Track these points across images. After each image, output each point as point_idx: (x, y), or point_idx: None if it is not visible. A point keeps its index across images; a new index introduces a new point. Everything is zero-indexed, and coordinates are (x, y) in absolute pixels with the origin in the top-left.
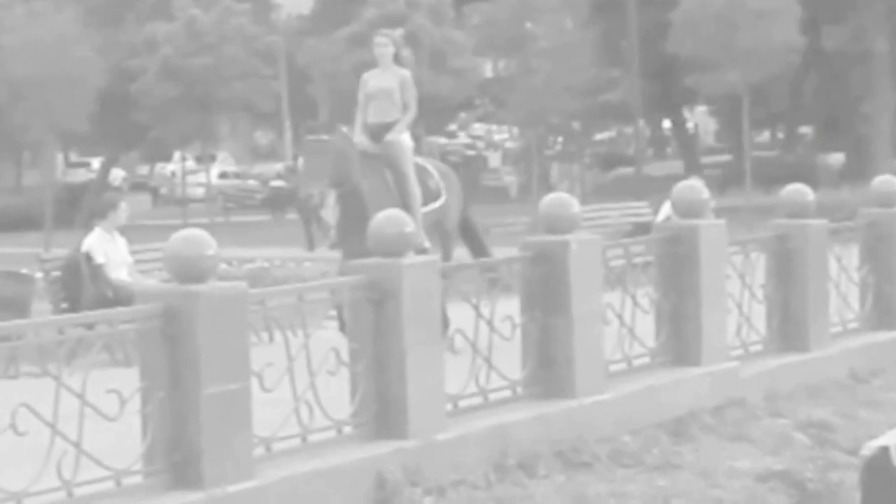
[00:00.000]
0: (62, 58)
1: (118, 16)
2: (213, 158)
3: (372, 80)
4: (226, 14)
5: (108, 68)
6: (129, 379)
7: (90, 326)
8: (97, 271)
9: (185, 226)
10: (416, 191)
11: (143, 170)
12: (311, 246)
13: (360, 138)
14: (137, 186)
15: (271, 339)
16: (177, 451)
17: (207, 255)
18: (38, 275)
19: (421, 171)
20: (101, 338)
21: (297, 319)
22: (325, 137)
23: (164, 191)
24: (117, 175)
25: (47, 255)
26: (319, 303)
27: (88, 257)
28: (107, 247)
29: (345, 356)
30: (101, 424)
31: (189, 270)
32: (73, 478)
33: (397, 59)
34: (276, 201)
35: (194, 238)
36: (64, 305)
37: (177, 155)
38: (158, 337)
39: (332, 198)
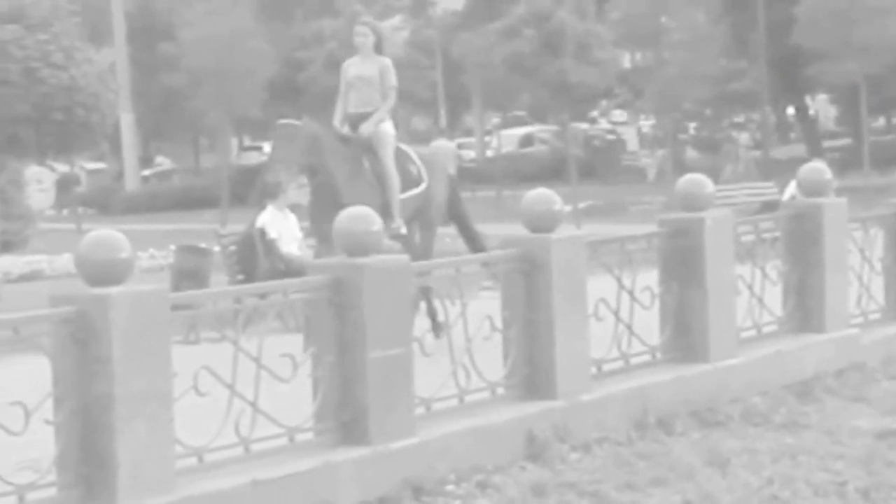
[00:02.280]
0: (237, 50)
1: (288, 12)
2: None
3: (352, 69)
4: (387, 11)
5: (279, 60)
6: (300, 344)
7: (264, 296)
8: (270, 246)
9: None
10: (394, 177)
11: None
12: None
13: (338, 126)
14: None
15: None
16: (345, 411)
17: (372, 231)
18: (216, 249)
19: (403, 157)
20: (274, 306)
21: (454, 290)
22: (296, 122)
23: None
24: None
25: (224, 231)
26: (474, 274)
27: (262, 233)
28: (279, 223)
29: (498, 323)
30: (276, 386)
31: (356, 245)
32: (249, 434)
33: (378, 48)
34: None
35: (360, 215)
36: (240, 277)
37: None
38: (327, 306)
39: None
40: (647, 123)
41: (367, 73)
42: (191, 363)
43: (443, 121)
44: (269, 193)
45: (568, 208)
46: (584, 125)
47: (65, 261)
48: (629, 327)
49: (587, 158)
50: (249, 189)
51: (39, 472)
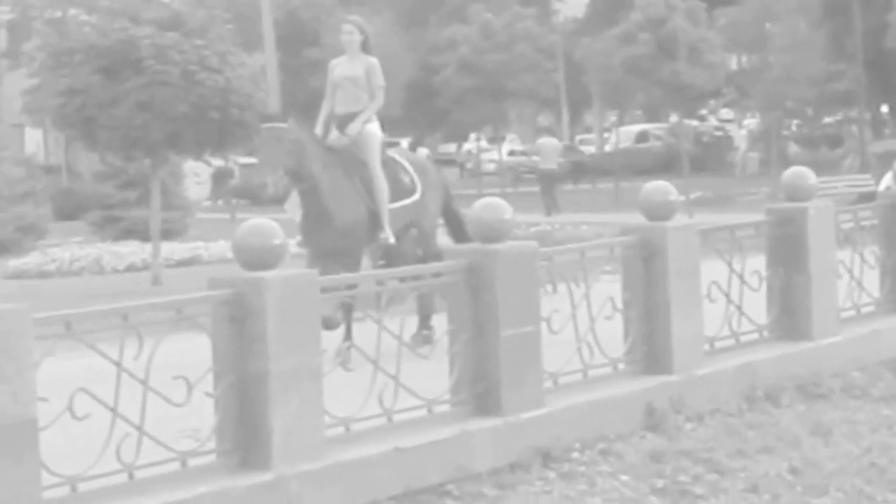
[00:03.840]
0: (377, 55)
1: (423, 19)
2: (503, 139)
3: (338, 68)
4: (514, 18)
5: (416, 63)
6: (437, 324)
7: (404, 279)
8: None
9: (481, 195)
10: (382, 184)
11: (447, 148)
12: (548, 212)
13: (320, 128)
14: (439, 163)
15: (555, 289)
16: (479, 384)
17: (504, 219)
18: None
19: (395, 167)
20: (414, 289)
21: (578, 273)
22: (282, 125)
23: (469, 165)
24: (422, 152)
25: None
26: (597, 259)
27: None
28: None
29: (619, 304)
30: (416, 362)
31: (489, 232)
32: (392, 406)
33: (365, 47)
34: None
35: (494, 205)
36: (381, 262)
37: (472, 136)
38: (463, 288)
39: (294, 194)
40: (752, 121)
41: (353, 72)
42: (337, 341)
43: (565, 119)
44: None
45: (681, 199)
46: (695, 122)
47: (220, 247)
48: (739, 308)
49: (697, 153)
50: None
51: (200, 441)
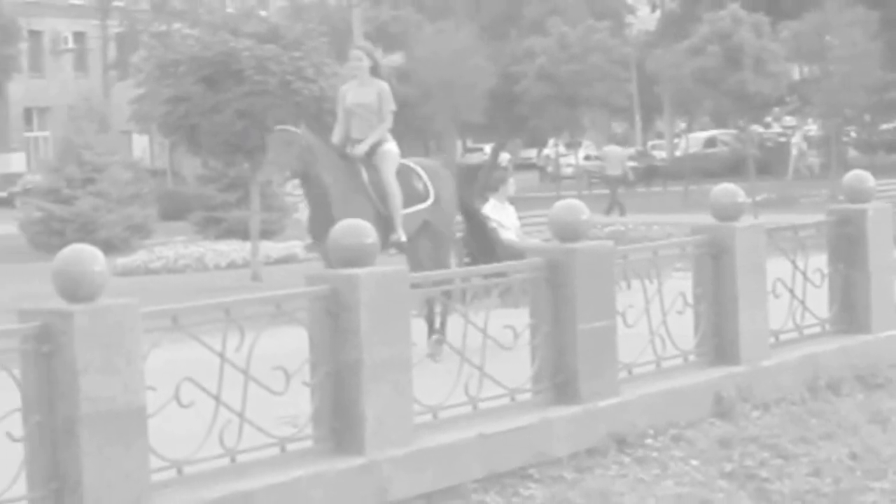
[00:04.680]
0: (461, 65)
1: (504, 32)
2: (579, 144)
3: (350, 95)
4: (589, 31)
5: (497, 73)
6: (519, 318)
7: (488, 276)
8: (492, 233)
9: (559, 197)
10: (395, 192)
11: (528, 153)
12: (608, 212)
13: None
14: (520, 166)
15: (629, 286)
16: (559, 374)
17: (582, 220)
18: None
19: (408, 173)
20: (497, 285)
21: (651, 270)
22: (293, 129)
23: (549, 169)
24: (504, 157)
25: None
26: (669, 257)
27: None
28: (499, 214)
29: (689, 299)
30: (499, 353)
31: (568, 232)
32: (477, 394)
33: (375, 72)
34: (627, 178)
35: (572, 206)
36: (466, 260)
37: (550, 141)
38: (543, 284)
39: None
40: (812, 127)
41: (366, 99)
42: (422, 334)
43: (638, 125)
44: (491, 187)
45: (747, 201)
46: (760, 129)
47: None
48: (802, 303)
49: (762, 158)
50: (472, 184)
51: (297, 427)
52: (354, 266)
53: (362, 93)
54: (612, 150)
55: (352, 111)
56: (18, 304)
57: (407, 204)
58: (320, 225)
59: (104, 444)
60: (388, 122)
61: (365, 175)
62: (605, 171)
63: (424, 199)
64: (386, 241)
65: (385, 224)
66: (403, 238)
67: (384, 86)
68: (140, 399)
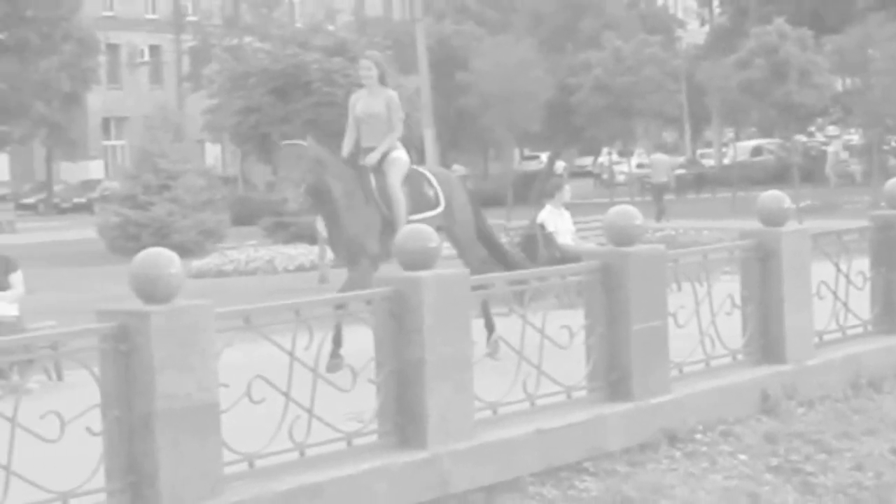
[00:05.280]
0: (520, 77)
1: (561, 46)
2: (631, 153)
3: (360, 104)
4: (642, 44)
5: (554, 85)
6: (575, 318)
7: (544, 278)
8: (549, 238)
9: (612, 203)
10: (399, 197)
11: (582, 161)
12: (659, 218)
13: (346, 155)
14: (575, 174)
15: (679, 288)
16: (613, 372)
17: (635, 225)
18: (504, 240)
19: (419, 179)
20: (553, 287)
21: (701, 273)
22: (301, 143)
23: (604, 176)
24: (560, 165)
25: (510, 225)
26: (718, 261)
27: (542, 227)
28: (555, 219)
29: (738, 301)
30: (556, 352)
31: (622, 236)
32: (534, 391)
33: (383, 80)
34: (680, 184)
35: (625, 212)
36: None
37: (604, 150)
38: (598, 286)
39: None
40: (854, 136)
41: (375, 108)
42: (485, 335)
43: (687, 135)
44: (548, 194)
45: (792, 207)
46: (804, 138)
47: None
48: (845, 304)
49: (806, 165)
50: (529, 191)
51: (363, 422)
52: (418, 269)
53: (371, 102)
54: (659, 157)
55: (361, 120)
56: (97, 304)
57: (416, 210)
58: (335, 239)
59: (179, 439)
60: (398, 130)
61: (373, 181)
62: (651, 178)
63: (435, 205)
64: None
65: (392, 231)
66: None
67: (393, 94)
68: (213, 395)
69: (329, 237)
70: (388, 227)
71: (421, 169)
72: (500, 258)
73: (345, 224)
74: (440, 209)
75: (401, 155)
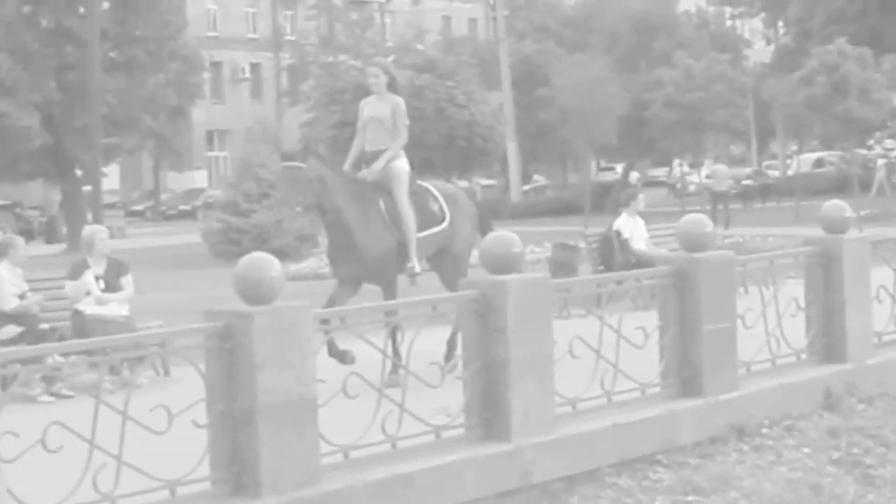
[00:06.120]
0: (597, 93)
1: (635, 64)
2: (701, 164)
3: (367, 108)
4: (712, 63)
5: (629, 100)
6: (649, 320)
7: (620, 282)
8: (624, 244)
9: (684, 212)
10: (409, 216)
11: (654, 172)
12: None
13: (350, 164)
14: (647, 184)
15: (747, 291)
16: (685, 370)
17: (707, 232)
18: (582, 246)
19: (425, 195)
20: (628, 291)
21: (768, 278)
22: (300, 165)
23: (678, 186)
24: (633, 176)
25: (587, 232)
26: (783, 266)
27: (618, 234)
28: (631, 226)
29: (802, 304)
30: (630, 351)
31: (693, 242)
32: (611, 388)
33: (392, 87)
34: (746, 194)
35: (697, 220)
36: (600, 267)
37: (675, 161)
38: (671, 290)
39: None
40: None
41: (380, 113)
42: (565, 334)
43: (754, 147)
44: (623, 203)
45: (853, 215)
46: (863, 151)
47: None
48: None
49: (865, 176)
50: (605, 199)
51: (451, 416)
52: (502, 273)
53: (378, 107)
54: (719, 168)
55: (367, 123)
56: (202, 305)
57: (423, 227)
58: (340, 251)
59: (279, 431)
60: (403, 136)
61: (381, 201)
62: (711, 188)
63: (440, 221)
64: (402, 267)
65: (403, 251)
66: (418, 269)
67: (398, 100)
68: (311, 391)
69: (330, 252)
70: (401, 248)
71: (425, 184)
72: None
73: (359, 241)
74: (445, 224)
75: (402, 165)
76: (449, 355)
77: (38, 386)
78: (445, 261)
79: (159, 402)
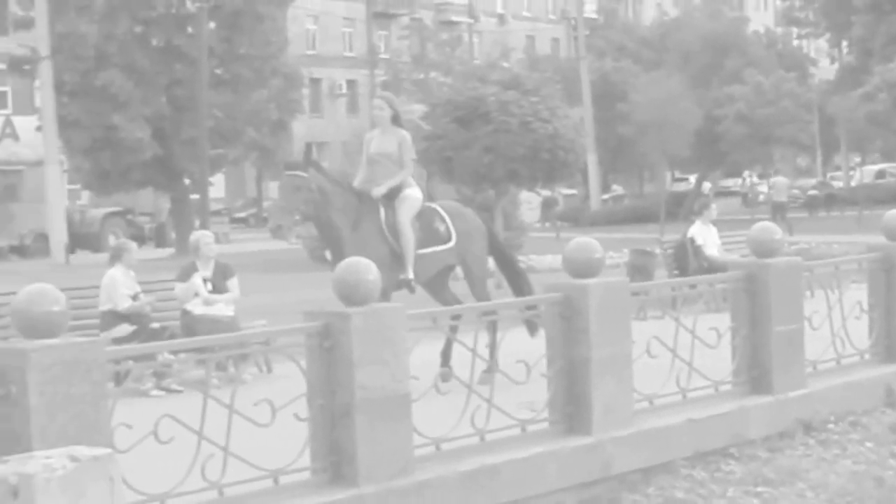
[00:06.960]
0: (671, 108)
1: (708, 81)
2: (770, 175)
3: (373, 143)
4: (780, 80)
5: (702, 115)
6: (721, 321)
7: (694, 286)
8: (698, 250)
9: (754, 220)
10: (408, 232)
11: (726, 182)
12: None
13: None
14: (719, 193)
15: (813, 294)
16: (755, 369)
17: (775, 239)
18: (658, 252)
19: (430, 215)
20: (702, 294)
21: (833, 282)
22: (302, 174)
23: (750, 196)
24: (706, 186)
25: (663, 238)
26: (848, 271)
27: (692, 240)
28: (704, 233)
29: (865, 307)
30: (704, 350)
31: (763, 249)
32: (686, 385)
33: (396, 120)
34: (812, 203)
35: (767, 228)
36: (675, 272)
37: (745, 173)
38: (742, 293)
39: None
40: None
41: (387, 148)
42: (643, 334)
43: (819, 160)
44: (697, 211)
45: None
46: None
47: (547, 260)
48: None
49: None
50: (680, 208)
51: (536, 411)
52: (584, 277)
53: (384, 141)
54: (780, 180)
55: (374, 160)
56: (302, 306)
57: (426, 244)
58: (337, 261)
59: (375, 425)
60: (409, 168)
61: (383, 214)
62: (772, 198)
63: (446, 240)
64: (395, 279)
65: (399, 263)
66: (411, 276)
67: (405, 135)
68: (405, 387)
69: (332, 264)
70: (397, 260)
71: (433, 205)
72: (513, 280)
73: (349, 255)
74: (451, 244)
75: (414, 193)
76: (444, 365)
77: (149, 381)
78: (446, 278)
79: (263, 396)
